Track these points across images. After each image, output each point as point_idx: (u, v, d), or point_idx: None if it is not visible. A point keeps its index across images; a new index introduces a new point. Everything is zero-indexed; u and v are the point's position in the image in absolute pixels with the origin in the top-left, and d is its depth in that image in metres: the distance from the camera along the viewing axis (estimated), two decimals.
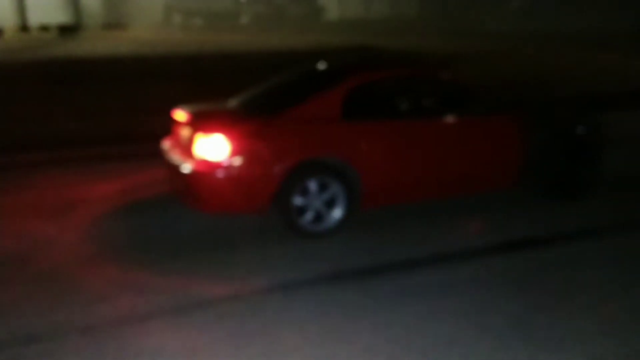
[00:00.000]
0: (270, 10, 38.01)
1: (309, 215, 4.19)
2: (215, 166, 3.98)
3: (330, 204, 4.23)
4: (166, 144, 4.69)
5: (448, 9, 32.00)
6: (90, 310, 3.18)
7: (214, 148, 3.99)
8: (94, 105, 9.18)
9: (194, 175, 4.03)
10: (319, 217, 4.22)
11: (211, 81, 10.35)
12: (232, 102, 4.81)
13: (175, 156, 4.35)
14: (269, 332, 2.97)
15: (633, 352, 2.84)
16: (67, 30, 28.88)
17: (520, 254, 4.01)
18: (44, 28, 29.75)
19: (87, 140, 6.98)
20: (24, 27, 30.37)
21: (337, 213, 4.25)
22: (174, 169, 4.27)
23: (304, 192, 4.15)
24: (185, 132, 4.32)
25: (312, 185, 4.17)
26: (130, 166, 5.92)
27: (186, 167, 4.09)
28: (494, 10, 29.92)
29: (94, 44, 22.45)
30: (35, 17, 30.66)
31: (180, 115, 4.48)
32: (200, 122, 4.22)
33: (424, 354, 2.79)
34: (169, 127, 4.77)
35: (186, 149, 4.23)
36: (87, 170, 5.86)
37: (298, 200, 4.13)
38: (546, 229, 4.48)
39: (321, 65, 5.03)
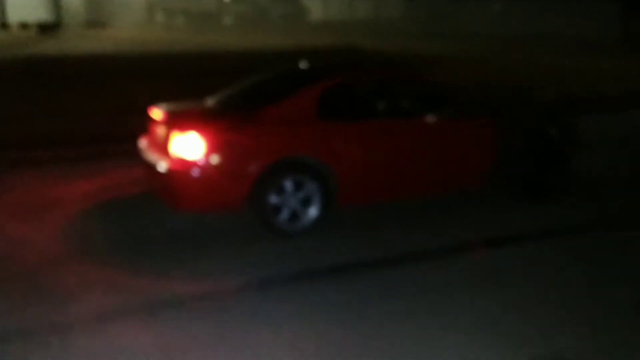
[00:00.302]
0: (253, 10, 37.90)
1: (284, 214, 4.21)
2: (190, 164, 3.99)
3: (305, 202, 4.26)
4: (143, 143, 4.69)
5: (431, 12, 32.22)
6: (61, 309, 3.18)
7: (189, 146, 4.00)
8: (74, 105, 9.08)
9: (169, 173, 4.04)
10: (294, 216, 4.24)
11: (193, 81, 10.30)
12: (209, 101, 4.82)
13: (151, 155, 4.35)
14: (242, 330, 2.98)
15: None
16: (47, 29, 28.51)
17: (489, 252, 4.08)
18: (24, 26, 29.33)
19: (65, 140, 6.90)
20: (3, 25, 29.92)
21: (312, 212, 4.28)
22: (151, 167, 4.27)
23: (280, 190, 4.18)
24: (161, 130, 4.32)
25: (288, 184, 4.20)
26: (108, 166, 5.91)
27: (162, 166, 4.09)
28: (476, 13, 30.21)
29: (75, 43, 22.20)
30: (15, 15, 30.22)
31: (156, 113, 4.48)
32: (175, 121, 4.23)
33: (395, 350, 2.82)
34: (147, 126, 4.76)
35: (162, 147, 4.23)
36: (65, 170, 5.83)
37: (273, 199, 4.15)
38: (514, 228, 4.57)
39: (299, 66, 5.07)
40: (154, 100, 4.91)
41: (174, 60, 15.59)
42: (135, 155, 4.71)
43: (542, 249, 4.17)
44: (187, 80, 10.58)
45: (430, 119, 4.69)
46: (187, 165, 4.00)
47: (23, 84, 11.56)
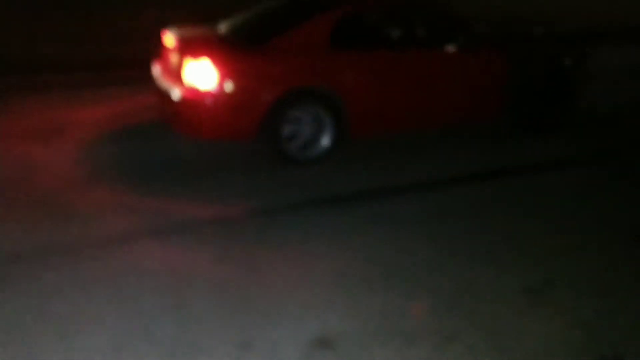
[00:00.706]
0: None
1: (296, 143, 4.28)
2: (203, 93, 4.03)
3: (317, 132, 4.32)
4: (156, 69, 4.69)
5: None
6: (73, 231, 3.30)
7: (202, 74, 4.02)
8: (78, 31, 8.95)
9: (182, 101, 4.09)
10: (306, 145, 4.32)
11: (203, 7, 10.07)
12: (222, 27, 4.78)
13: (164, 82, 4.38)
14: (249, 252, 3.13)
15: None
16: None
17: (493, 183, 4.20)
18: None
19: (70, 65, 6.87)
20: None
21: (324, 141, 4.36)
22: (164, 94, 4.31)
23: (291, 120, 4.23)
24: (174, 57, 4.33)
25: (299, 114, 4.24)
26: (115, 92, 5.92)
27: (175, 94, 4.13)
28: None
29: None
30: None
31: (169, 39, 4.47)
32: (188, 48, 4.23)
33: (390, 273, 2.98)
34: (156, 53, 4.76)
35: (175, 74, 4.25)
36: (72, 96, 5.85)
37: (285, 128, 4.22)
38: (521, 159, 4.67)
39: None
40: (159, 26, 4.86)
41: None
42: (141, 82, 4.72)
43: (543, 181, 4.28)
44: (199, 6, 10.33)
45: (443, 49, 4.65)
46: (199, 93, 4.04)
47: (24, 8, 11.33)
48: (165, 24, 5.00)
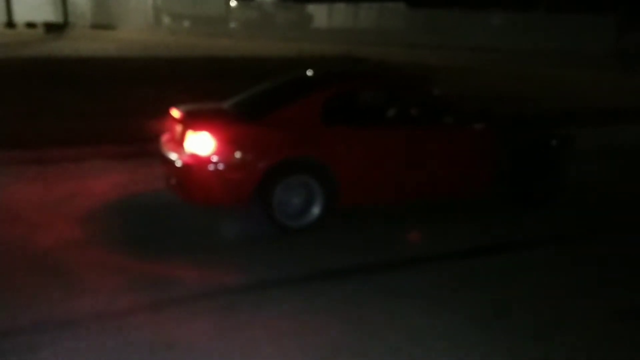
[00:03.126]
0: (259, 16, 38.31)
1: (288, 211, 4.48)
2: (202, 160, 4.28)
3: (308, 201, 4.53)
4: (163, 140, 4.97)
5: (432, 23, 32.62)
6: (71, 303, 3.34)
7: (201, 143, 4.29)
8: (79, 106, 9.30)
9: (183, 168, 4.34)
10: (298, 214, 4.52)
11: (197, 85, 10.57)
12: (224, 104, 5.12)
13: (169, 151, 4.65)
14: (244, 327, 3.19)
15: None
16: (53, 28, 28.88)
17: (483, 258, 4.33)
18: (31, 25, 29.69)
19: (69, 140, 7.05)
20: (9, 24, 30.25)
21: (315, 210, 4.56)
22: (168, 163, 4.57)
23: (283, 188, 4.45)
24: (178, 128, 4.62)
25: (292, 183, 4.47)
26: (118, 165, 6.12)
27: (178, 161, 4.39)
28: (476, 25, 30.61)
29: (81, 44, 22.51)
30: (22, 14, 30.56)
31: (175, 113, 4.79)
32: (191, 120, 4.53)
33: (389, 346, 3.05)
34: (154, 128, 5.04)
35: (179, 144, 4.53)
36: (76, 169, 6.02)
37: (277, 196, 4.43)
38: (511, 234, 4.84)
39: (307, 73, 5.37)
40: (160, 104, 5.16)
41: (179, 65, 15.86)
42: (144, 155, 4.94)
43: (532, 256, 4.42)
44: (192, 84, 10.83)
45: (431, 126, 4.98)
46: (199, 160, 4.29)
47: (30, 84, 11.78)
48: (162, 102, 5.30)
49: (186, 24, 37.02)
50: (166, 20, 38.18)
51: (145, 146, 5.58)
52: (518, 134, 5.38)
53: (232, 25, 38.26)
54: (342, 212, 4.79)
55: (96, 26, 32.95)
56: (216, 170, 4.29)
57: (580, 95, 13.38)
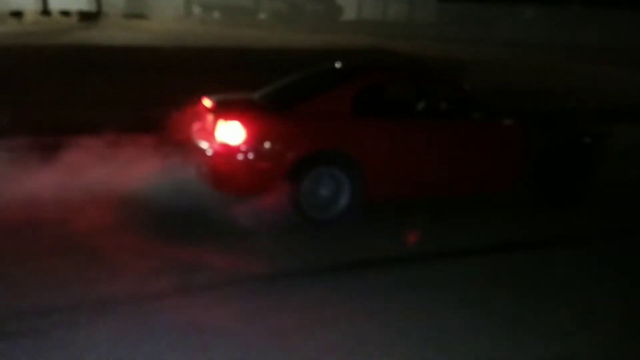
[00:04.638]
0: (288, 7, 38.33)
1: (315, 203, 4.51)
2: (232, 149, 4.33)
3: (335, 194, 4.55)
4: (194, 129, 5.04)
5: (464, 16, 32.16)
6: (104, 285, 3.46)
7: (232, 133, 4.34)
8: (113, 94, 9.46)
9: (213, 157, 4.40)
10: (325, 206, 4.54)
11: (228, 76, 10.65)
12: (255, 95, 5.17)
13: (200, 140, 4.72)
14: (272, 313, 3.25)
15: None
16: (87, 17, 29.41)
17: (511, 254, 4.30)
18: (65, 13, 30.25)
19: (101, 127, 7.18)
20: (44, 11, 30.87)
21: (342, 202, 4.57)
22: (199, 152, 4.63)
23: (312, 180, 4.48)
24: (209, 118, 4.68)
25: (319, 175, 4.50)
26: (150, 152, 6.20)
27: (208, 150, 4.46)
28: (508, 19, 30.08)
29: (114, 33, 22.86)
30: (57, 2, 31.17)
31: (207, 103, 4.85)
32: (222, 110, 4.59)
33: (417, 340, 3.07)
34: (185, 118, 5.11)
35: (210, 133, 4.59)
36: (110, 154, 6.12)
37: (305, 188, 4.45)
38: (541, 232, 4.78)
39: (336, 65, 5.38)
40: (191, 94, 5.21)
41: (209, 55, 16.00)
42: (171, 143, 5.00)
43: (560, 255, 4.36)
44: (222, 75, 10.91)
45: (459, 120, 4.94)
46: (229, 149, 4.35)
47: (65, 72, 12.02)
48: (192, 92, 5.34)
49: (216, 14, 37.27)
50: (196, 10, 38.50)
51: (175, 135, 5.63)
52: (547, 131, 5.29)
53: (261, 16, 38.36)
54: (368, 207, 4.79)
55: (128, 15, 33.41)
56: (245, 159, 4.34)
57: (614, 92, 13.08)
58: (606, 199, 5.58)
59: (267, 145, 4.37)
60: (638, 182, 6.31)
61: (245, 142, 4.33)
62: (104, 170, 5.56)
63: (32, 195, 4.80)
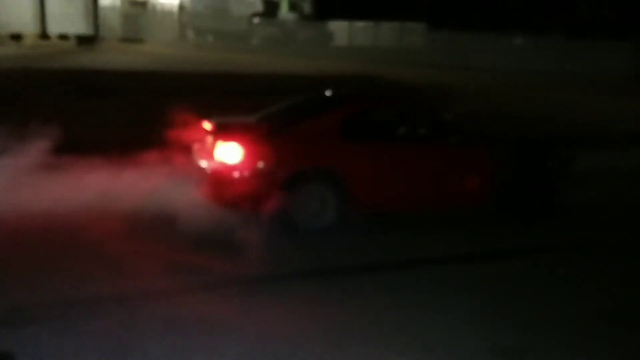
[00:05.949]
0: (280, 33, 39.12)
1: (305, 216, 5.02)
2: (230, 168, 4.84)
3: (323, 207, 5.06)
4: (195, 149, 5.53)
5: (453, 43, 33.01)
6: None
7: (230, 153, 4.86)
8: (110, 116, 9.86)
9: (212, 174, 4.91)
10: (314, 217, 5.05)
11: (222, 100, 11.12)
12: (251, 118, 5.71)
13: (201, 159, 5.22)
14: (265, 310, 3.72)
15: None
16: (85, 41, 29.99)
17: (480, 264, 4.81)
18: (63, 37, 30.83)
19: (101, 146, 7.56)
20: (43, 35, 31.41)
21: (329, 216, 5.08)
22: (200, 169, 5.14)
23: (302, 195, 4.99)
24: (209, 139, 5.20)
25: (309, 190, 5.02)
26: (151, 170, 6.63)
27: (208, 168, 4.97)
28: (497, 47, 30.89)
29: (111, 56, 23.39)
30: (55, 26, 31.69)
31: (207, 125, 5.38)
32: (220, 131, 5.11)
33: (393, 330, 3.54)
34: (184, 138, 5.59)
35: (209, 153, 5.10)
36: (112, 170, 6.54)
37: (297, 201, 4.96)
38: (509, 243, 5.31)
39: (327, 93, 5.98)
40: (188, 116, 5.70)
41: (204, 80, 16.51)
42: (171, 162, 5.51)
43: (517, 265, 4.88)
44: (216, 99, 11.36)
45: (437, 143, 5.50)
46: (227, 168, 4.86)
47: (62, 94, 12.38)
48: (190, 113, 5.83)
49: (210, 38, 38.00)
50: (190, 34, 39.21)
51: (173, 154, 6.08)
52: (515, 154, 5.85)
53: (254, 41, 39.12)
54: (356, 218, 5.27)
55: (125, 39, 34.04)
56: (242, 176, 4.86)
57: (594, 119, 13.70)
58: (566, 216, 6.12)
59: (261, 164, 4.89)
60: (596, 202, 6.84)
61: (242, 161, 4.85)
62: (109, 185, 5.99)
63: (44, 205, 5.24)
